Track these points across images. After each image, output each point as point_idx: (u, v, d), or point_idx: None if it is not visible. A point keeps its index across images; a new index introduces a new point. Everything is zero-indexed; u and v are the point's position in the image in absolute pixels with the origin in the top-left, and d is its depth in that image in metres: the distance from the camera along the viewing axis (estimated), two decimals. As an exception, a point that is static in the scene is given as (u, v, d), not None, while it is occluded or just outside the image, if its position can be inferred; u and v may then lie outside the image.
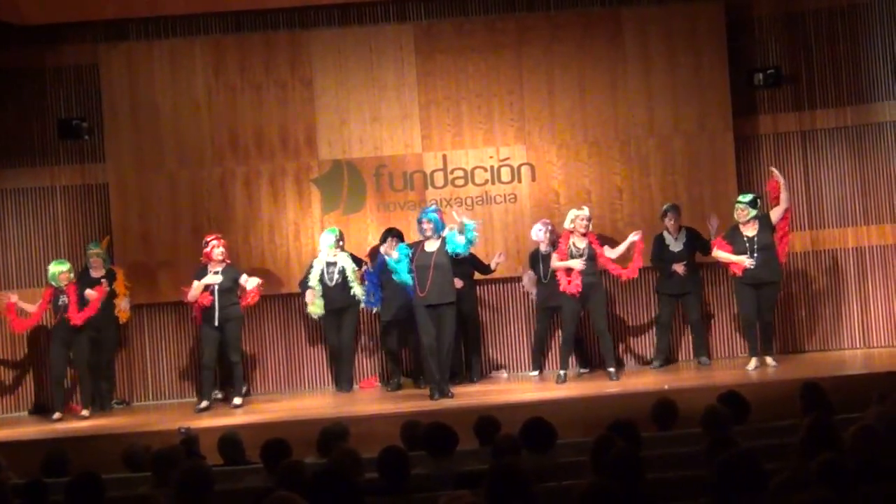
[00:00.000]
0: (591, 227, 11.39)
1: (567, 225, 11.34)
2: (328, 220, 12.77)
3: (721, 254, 11.32)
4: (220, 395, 12.06)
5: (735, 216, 11.42)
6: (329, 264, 12.10)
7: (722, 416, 6.92)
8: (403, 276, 10.92)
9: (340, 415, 9.94)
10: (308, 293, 12.05)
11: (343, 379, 12.29)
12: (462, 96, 12.74)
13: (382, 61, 12.76)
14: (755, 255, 11.18)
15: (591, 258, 11.26)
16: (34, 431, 10.75)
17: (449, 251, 10.91)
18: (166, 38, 12.69)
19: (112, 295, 11.98)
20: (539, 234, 11.85)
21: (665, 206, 12.03)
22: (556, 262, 11.14)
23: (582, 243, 11.30)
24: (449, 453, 6.96)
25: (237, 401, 11.49)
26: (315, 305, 12.07)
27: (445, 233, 10.61)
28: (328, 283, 12.10)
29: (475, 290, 12.30)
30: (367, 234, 12.71)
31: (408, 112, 12.73)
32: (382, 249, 11.29)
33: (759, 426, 7.49)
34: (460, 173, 12.86)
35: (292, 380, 12.71)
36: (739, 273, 11.23)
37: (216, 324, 11.39)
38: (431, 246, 10.93)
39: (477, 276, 12.14)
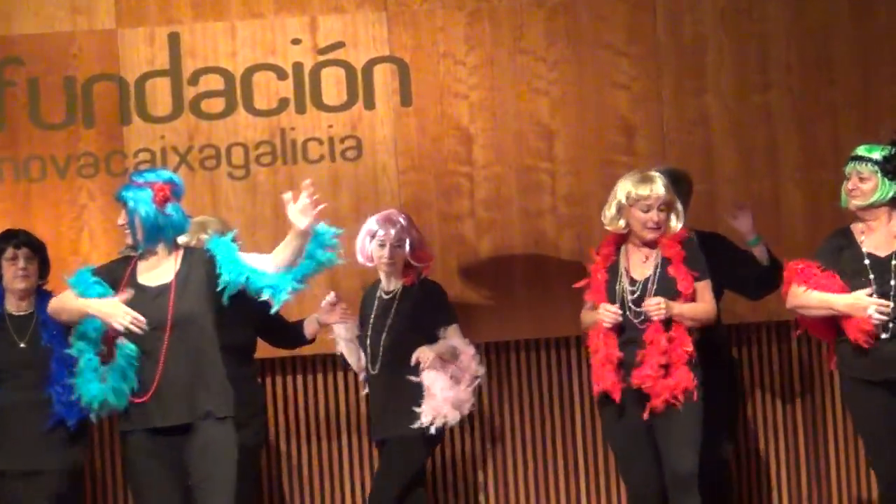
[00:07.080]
0: (674, 221, 8.05)
1: (606, 217, 8.20)
2: None
3: (818, 296, 8.01)
4: None
5: (845, 198, 7.92)
6: None
7: None
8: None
9: None
10: None
11: None
12: None
13: None
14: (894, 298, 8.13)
15: (668, 293, 8.01)
16: None
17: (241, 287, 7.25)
18: None
19: None
20: None
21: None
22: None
23: (645, 268, 8.16)
24: None
25: None
26: None
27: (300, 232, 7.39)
28: None
29: (259, 381, 9.13)
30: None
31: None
32: None
33: None
34: (216, 85, 9.36)
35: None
36: (861, 339, 8.01)
37: None
38: (158, 275, 7.31)
39: (271, 352, 9.15)
